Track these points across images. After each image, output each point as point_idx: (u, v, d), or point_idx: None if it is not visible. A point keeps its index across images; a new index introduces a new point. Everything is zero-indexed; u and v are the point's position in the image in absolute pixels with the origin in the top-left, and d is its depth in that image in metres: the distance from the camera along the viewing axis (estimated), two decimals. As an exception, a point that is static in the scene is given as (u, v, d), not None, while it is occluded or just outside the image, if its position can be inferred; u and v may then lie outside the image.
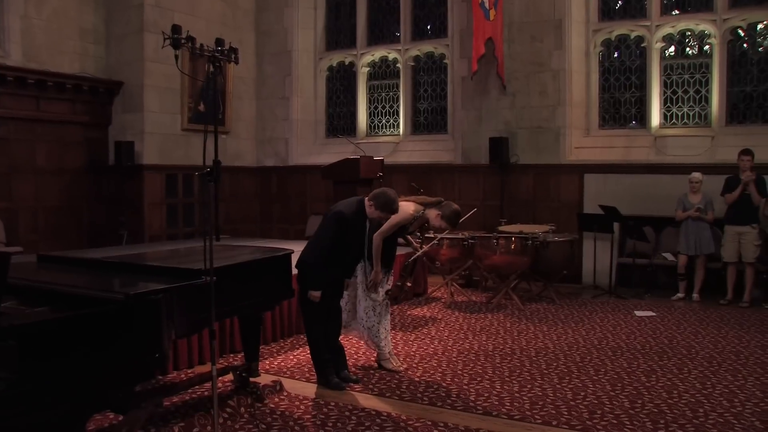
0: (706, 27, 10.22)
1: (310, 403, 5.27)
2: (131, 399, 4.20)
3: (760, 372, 6.06)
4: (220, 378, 5.39)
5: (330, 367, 5.71)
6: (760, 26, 10.09)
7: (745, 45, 10.17)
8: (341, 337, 6.00)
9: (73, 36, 10.83)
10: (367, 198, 5.63)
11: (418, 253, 7.38)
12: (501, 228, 9.85)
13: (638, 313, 8.56)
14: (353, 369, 6.07)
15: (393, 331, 7.58)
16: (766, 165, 8.99)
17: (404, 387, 5.68)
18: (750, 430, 4.70)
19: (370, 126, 13.07)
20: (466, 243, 9.32)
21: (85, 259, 5.62)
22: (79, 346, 3.41)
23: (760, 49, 10.12)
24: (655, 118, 10.57)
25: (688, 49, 10.58)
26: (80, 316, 3.46)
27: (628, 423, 4.82)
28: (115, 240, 10.73)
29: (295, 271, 5.62)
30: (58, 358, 3.30)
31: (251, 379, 5.60)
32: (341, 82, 13.35)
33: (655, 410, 5.08)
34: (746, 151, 8.86)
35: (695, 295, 9.30)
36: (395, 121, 12.77)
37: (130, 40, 11.03)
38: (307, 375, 5.98)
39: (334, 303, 5.81)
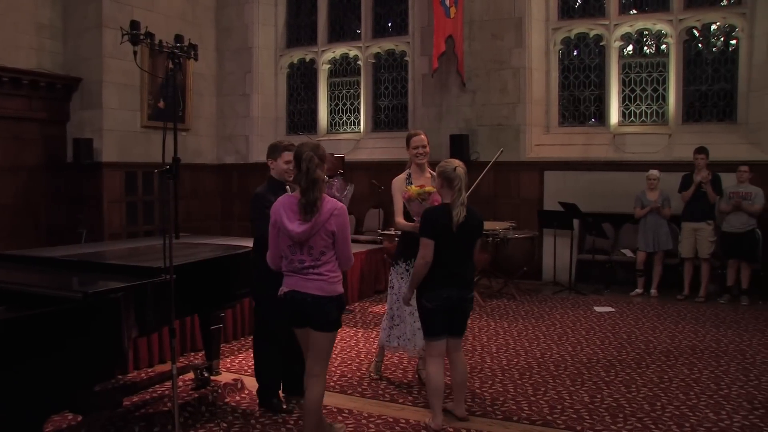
0: (662, 26, 10.39)
1: (272, 401, 5.25)
2: (90, 398, 4.15)
3: (715, 365, 6.18)
4: (180, 377, 5.36)
5: (274, 387, 5.18)
6: (713, 27, 10.29)
7: (700, 45, 10.36)
8: None
9: (29, 31, 10.61)
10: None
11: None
12: (462, 225, 9.87)
13: (597, 308, 8.67)
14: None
15: (354, 329, 7.61)
16: (720, 162, 9.17)
17: (365, 384, 5.70)
18: (704, 421, 4.80)
19: (331, 123, 13.05)
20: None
21: (43, 258, 5.54)
22: (36, 346, 3.36)
23: (714, 49, 10.32)
24: (614, 115, 10.72)
25: (645, 48, 10.76)
26: (37, 315, 3.41)
27: (587, 417, 4.89)
28: (74, 238, 10.55)
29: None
30: (13, 358, 3.25)
31: (212, 378, 5.58)
32: (302, 79, 13.30)
33: (614, 404, 5.16)
34: (700, 150, 9.04)
35: (653, 291, 9.45)
36: (356, 119, 12.77)
37: (88, 35, 10.85)
38: (269, 373, 5.95)
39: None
